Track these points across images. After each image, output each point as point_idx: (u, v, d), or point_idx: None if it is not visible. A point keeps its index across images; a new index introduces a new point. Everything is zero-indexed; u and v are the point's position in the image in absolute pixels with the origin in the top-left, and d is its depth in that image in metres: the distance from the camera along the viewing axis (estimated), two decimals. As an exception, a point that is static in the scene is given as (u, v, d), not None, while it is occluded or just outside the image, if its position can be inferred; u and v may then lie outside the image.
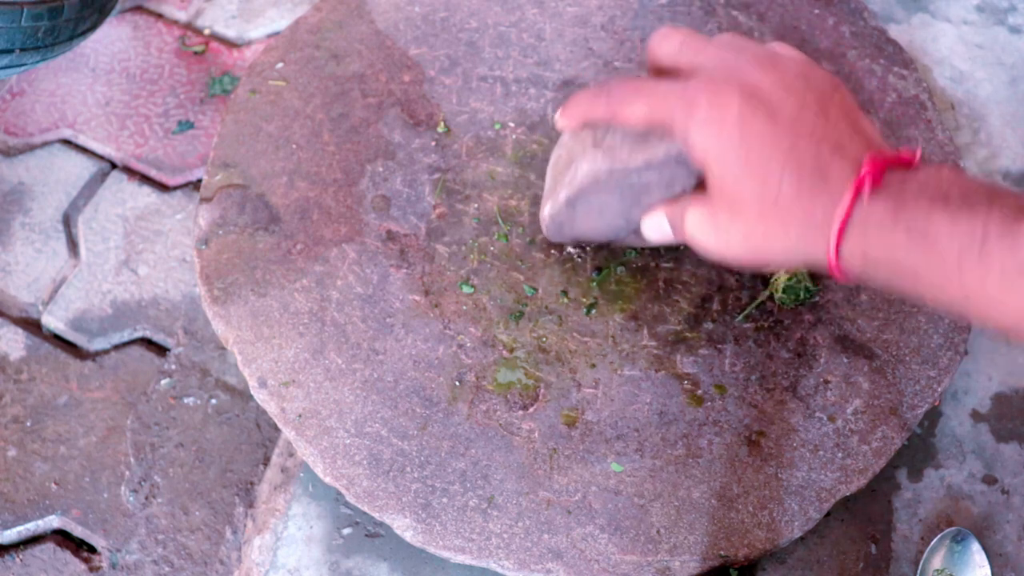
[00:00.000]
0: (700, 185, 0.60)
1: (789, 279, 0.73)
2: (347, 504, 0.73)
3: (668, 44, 0.59)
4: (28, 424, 0.90)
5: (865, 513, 0.72)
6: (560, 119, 0.64)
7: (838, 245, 0.48)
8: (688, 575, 0.65)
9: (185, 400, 0.91)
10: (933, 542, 0.70)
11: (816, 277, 0.74)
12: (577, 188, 0.65)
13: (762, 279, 0.75)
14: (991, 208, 0.44)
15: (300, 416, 0.69)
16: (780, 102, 0.52)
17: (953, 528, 0.70)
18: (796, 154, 0.50)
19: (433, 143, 0.81)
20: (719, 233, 0.54)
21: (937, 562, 0.69)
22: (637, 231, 0.66)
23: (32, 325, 0.97)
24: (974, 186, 0.46)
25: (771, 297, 0.74)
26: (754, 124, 0.51)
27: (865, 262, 0.48)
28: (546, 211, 0.70)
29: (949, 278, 0.44)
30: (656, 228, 0.62)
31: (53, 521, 0.86)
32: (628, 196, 0.64)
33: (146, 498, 0.87)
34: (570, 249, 0.76)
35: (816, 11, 0.89)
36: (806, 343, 0.72)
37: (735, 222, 0.53)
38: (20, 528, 0.85)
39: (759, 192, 0.50)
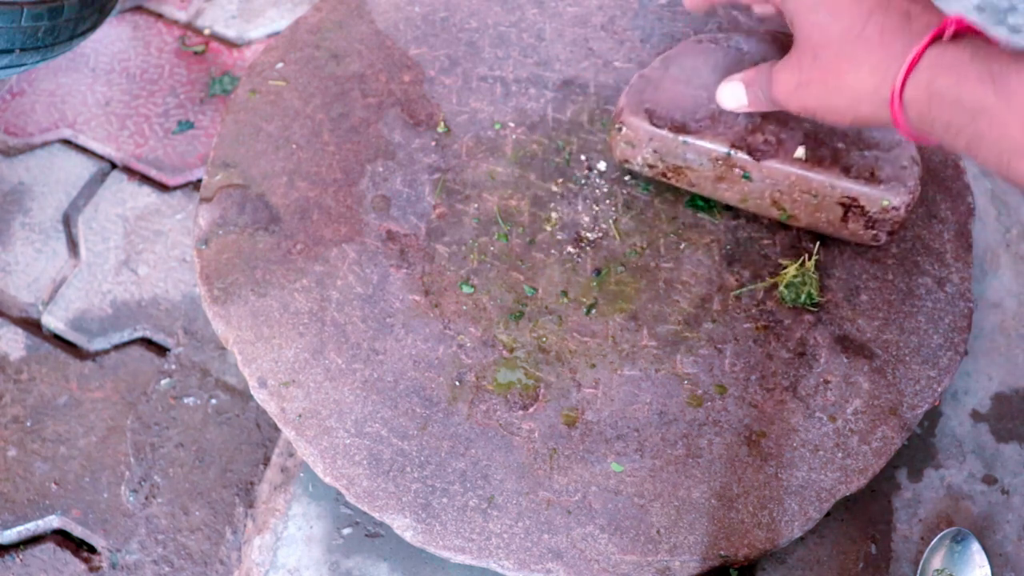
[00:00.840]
0: None
1: (795, 276, 0.73)
2: (347, 504, 0.73)
3: None
4: (28, 424, 0.90)
5: (865, 513, 0.72)
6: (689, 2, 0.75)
7: (908, 71, 0.54)
8: (688, 575, 0.65)
9: (185, 400, 0.91)
10: (933, 542, 0.69)
11: (821, 288, 0.74)
12: (678, 48, 0.76)
13: (763, 281, 0.75)
14: None
15: (300, 416, 0.69)
16: None
17: (953, 528, 0.70)
18: (886, 3, 0.57)
19: (433, 143, 0.81)
20: (801, 81, 0.61)
21: (937, 562, 0.69)
22: (713, 116, 0.72)
23: (32, 325, 0.97)
24: None
25: (775, 287, 0.74)
26: None
27: (930, 94, 0.53)
28: (638, 72, 0.76)
29: (1012, 116, 0.49)
30: (732, 94, 0.69)
31: (53, 521, 0.86)
32: (721, 64, 0.73)
33: (146, 498, 0.87)
34: (570, 249, 0.76)
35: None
36: (806, 343, 0.72)
37: (815, 66, 0.59)
38: (20, 528, 0.85)
39: (845, 28, 0.57)
